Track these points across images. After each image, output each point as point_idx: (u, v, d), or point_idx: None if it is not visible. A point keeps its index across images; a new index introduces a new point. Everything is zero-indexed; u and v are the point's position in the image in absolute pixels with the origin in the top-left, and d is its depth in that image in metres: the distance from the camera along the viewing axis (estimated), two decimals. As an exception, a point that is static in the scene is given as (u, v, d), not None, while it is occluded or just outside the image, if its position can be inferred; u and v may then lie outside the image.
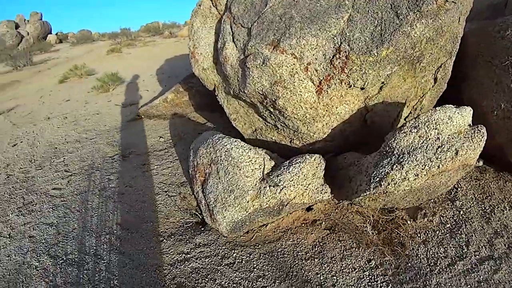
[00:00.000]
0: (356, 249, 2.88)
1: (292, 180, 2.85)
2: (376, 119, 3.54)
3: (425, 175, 2.50)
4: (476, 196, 3.18)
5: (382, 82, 3.07)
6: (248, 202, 2.88)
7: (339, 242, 2.97)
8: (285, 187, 2.83)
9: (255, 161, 3.03)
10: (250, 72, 3.23)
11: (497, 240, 2.76)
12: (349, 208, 3.26)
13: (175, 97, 6.08)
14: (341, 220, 3.16)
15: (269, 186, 2.87)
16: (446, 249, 2.76)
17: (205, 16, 4.20)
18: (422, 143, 2.60)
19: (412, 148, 2.61)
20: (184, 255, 3.10)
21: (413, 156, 2.55)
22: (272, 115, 3.53)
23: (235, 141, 3.15)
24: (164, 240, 3.32)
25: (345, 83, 2.99)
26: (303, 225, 3.20)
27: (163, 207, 3.79)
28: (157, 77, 9.91)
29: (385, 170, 2.60)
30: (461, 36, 3.36)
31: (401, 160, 2.57)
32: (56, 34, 24.12)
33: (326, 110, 3.19)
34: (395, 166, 2.56)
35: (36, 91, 10.44)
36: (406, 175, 2.50)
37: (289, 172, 2.87)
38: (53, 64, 15.31)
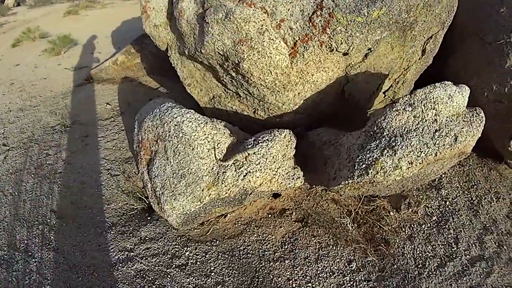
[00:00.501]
0: (334, 247, 2.36)
1: (259, 163, 2.25)
2: (355, 91, 2.99)
3: (420, 163, 1.97)
4: (461, 184, 2.74)
5: (369, 49, 2.48)
6: (203, 190, 2.25)
7: (313, 238, 2.43)
8: (249, 172, 2.22)
9: (212, 138, 2.37)
10: (209, 28, 2.52)
11: (487, 237, 2.34)
12: (324, 195, 2.72)
13: (126, 59, 5.21)
14: (314, 209, 2.63)
15: (230, 171, 2.24)
16: (434, 247, 2.31)
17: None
18: (417, 124, 2.06)
19: (406, 130, 2.06)
20: (127, 252, 2.46)
21: (407, 140, 2.01)
22: (234, 81, 2.85)
23: (187, 112, 2.46)
24: (104, 232, 2.66)
25: (326, 46, 2.36)
26: (269, 215, 2.63)
27: (105, 190, 3.09)
28: (112, 39, 8.82)
29: (373, 156, 2.05)
30: (456, 6, 2.84)
31: (393, 144, 2.02)
32: (14, -3, 21.27)
33: (300, 78, 2.57)
34: (385, 151, 2.02)
35: (-10, 57, 9.14)
36: (399, 162, 1.97)
37: (254, 154, 2.25)
38: (9, 28, 13.56)
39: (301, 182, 2.43)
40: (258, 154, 2.26)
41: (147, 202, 2.79)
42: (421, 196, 2.63)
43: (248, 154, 2.23)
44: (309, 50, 2.38)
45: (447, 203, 2.58)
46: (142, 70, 5.32)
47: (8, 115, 4.89)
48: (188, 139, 2.34)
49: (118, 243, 2.55)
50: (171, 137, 2.41)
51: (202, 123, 2.39)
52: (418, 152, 1.96)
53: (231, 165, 2.25)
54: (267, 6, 2.38)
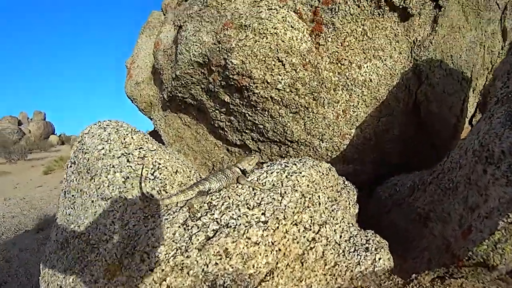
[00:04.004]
0: None
1: None
2: (434, 108, 1.69)
3: None
4: None
5: (437, 6, 1.33)
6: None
7: None
8: None
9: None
10: (183, 33, 1.56)
11: None
12: None
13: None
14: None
15: None
16: None
17: (152, 27, 2.66)
18: None
19: None
20: None
21: None
22: (233, 114, 1.67)
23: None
24: None
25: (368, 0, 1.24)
26: None
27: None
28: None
29: None
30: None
31: None
32: (59, 136, 22.15)
33: (339, 73, 1.38)
34: None
35: (21, 179, 9.11)
36: None
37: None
38: (48, 161, 14.08)
39: None
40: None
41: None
42: None
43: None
44: (341, 14, 1.26)
45: None
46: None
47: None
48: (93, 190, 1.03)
49: None
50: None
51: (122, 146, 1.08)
52: None
53: None
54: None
